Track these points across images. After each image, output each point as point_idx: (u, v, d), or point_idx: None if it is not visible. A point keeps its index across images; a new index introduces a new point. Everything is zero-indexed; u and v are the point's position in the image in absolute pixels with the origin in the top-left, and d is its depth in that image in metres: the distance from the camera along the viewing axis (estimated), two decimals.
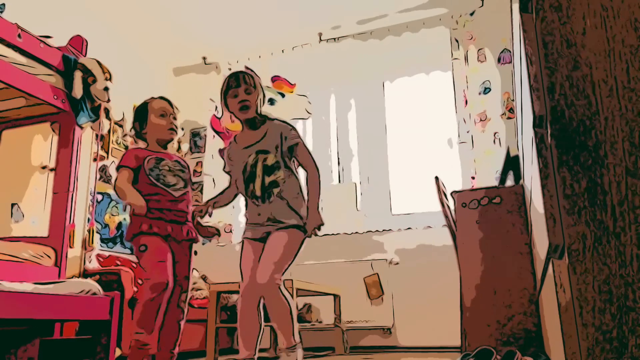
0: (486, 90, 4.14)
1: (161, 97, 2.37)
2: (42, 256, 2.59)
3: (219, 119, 3.63)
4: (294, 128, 2.19)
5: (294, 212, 2.09)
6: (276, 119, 2.20)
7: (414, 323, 3.89)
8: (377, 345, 3.95)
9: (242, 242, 2.17)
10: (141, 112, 2.30)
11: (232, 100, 2.10)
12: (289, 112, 3.63)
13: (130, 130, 2.39)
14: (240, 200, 4.77)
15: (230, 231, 4.66)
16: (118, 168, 2.20)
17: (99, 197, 4.14)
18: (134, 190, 2.10)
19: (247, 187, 2.11)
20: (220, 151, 3.66)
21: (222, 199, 2.30)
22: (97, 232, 3.69)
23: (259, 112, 2.15)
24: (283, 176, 2.09)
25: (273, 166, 2.08)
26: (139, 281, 2.19)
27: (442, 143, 4.25)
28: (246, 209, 2.17)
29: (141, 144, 2.33)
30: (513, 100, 4.09)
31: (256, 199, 2.09)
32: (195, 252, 4.59)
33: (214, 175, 4.74)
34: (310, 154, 2.23)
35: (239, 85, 2.10)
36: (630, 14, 0.99)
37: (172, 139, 2.31)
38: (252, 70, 2.23)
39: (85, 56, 2.97)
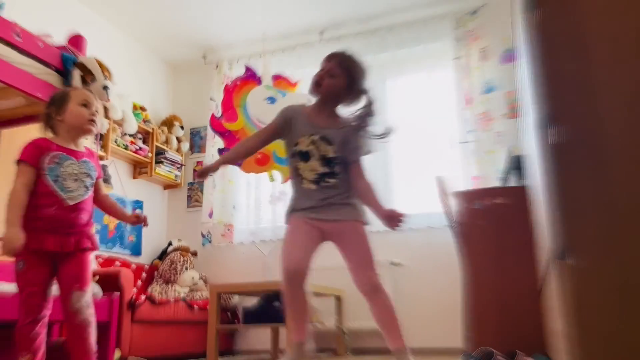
0: (489, 90, 4.12)
1: (87, 90, 2.26)
2: None
3: (219, 119, 3.61)
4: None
5: (358, 205, 2.06)
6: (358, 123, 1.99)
7: (416, 324, 3.87)
8: (378, 347, 3.94)
9: (290, 218, 1.98)
10: (60, 98, 2.07)
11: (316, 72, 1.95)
12: None
13: (42, 116, 2.09)
14: (240, 200, 4.77)
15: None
16: (18, 163, 1.98)
17: None
18: (19, 216, 1.85)
19: (297, 164, 1.94)
20: (220, 151, 3.64)
21: (234, 158, 2.16)
22: (96, 233, 3.67)
23: (337, 100, 1.98)
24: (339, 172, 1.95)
25: (331, 160, 1.92)
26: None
27: (444, 143, 4.23)
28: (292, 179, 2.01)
29: (49, 134, 2.08)
30: (516, 99, 4.07)
31: (308, 182, 1.94)
32: (196, 253, 4.63)
33: (214, 175, 4.73)
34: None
35: (327, 61, 1.95)
36: (634, 13, 0.98)
37: (89, 133, 2.09)
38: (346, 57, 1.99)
39: (84, 55, 2.96)
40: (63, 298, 1.96)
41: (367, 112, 1.95)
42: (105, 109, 3.61)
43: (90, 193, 2.07)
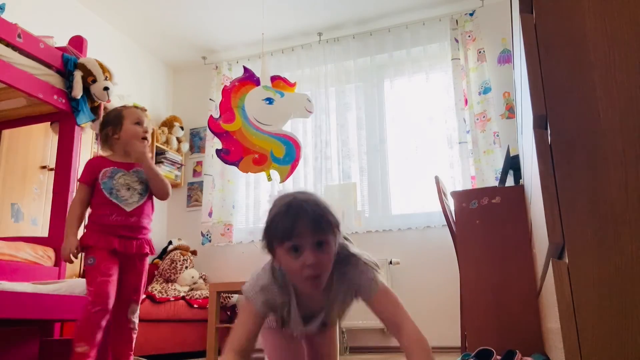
0: (486, 90, 4.14)
1: (139, 107, 2.36)
2: (42, 256, 2.59)
3: (217, 120, 3.62)
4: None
5: None
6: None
7: (414, 323, 3.88)
8: (376, 346, 3.95)
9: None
10: (115, 117, 2.25)
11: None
12: (289, 111, 3.63)
13: (100, 136, 2.28)
14: (240, 199, 4.78)
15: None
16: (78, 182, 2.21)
17: None
18: (75, 227, 2.11)
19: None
20: (218, 152, 3.65)
21: None
22: None
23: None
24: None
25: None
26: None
27: (442, 143, 4.25)
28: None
29: (103, 152, 2.28)
30: (513, 100, 4.09)
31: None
32: (195, 252, 4.63)
33: (213, 175, 4.74)
34: None
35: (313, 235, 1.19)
36: (631, 13, 0.99)
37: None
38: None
39: (85, 56, 2.97)
40: (120, 305, 2.12)
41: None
42: (106, 110, 3.61)
43: (146, 198, 2.22)
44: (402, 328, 1.24)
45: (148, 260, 2.27)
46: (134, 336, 2.21)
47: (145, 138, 2.23)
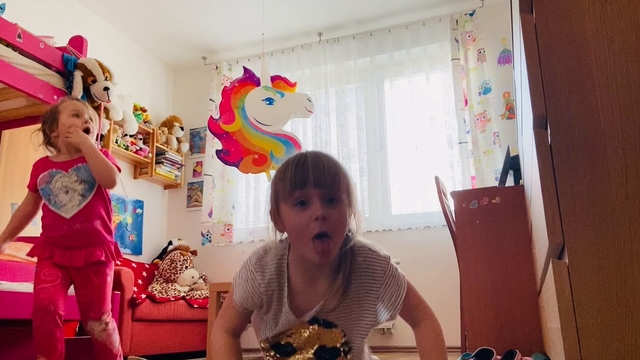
0: (486, 91, 4.14)
1: (77, 100, 2.15)
2: None
3: (217, 120, 3.62)
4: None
5: None
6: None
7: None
8: (377, 346, 3.95)
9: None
10: (51, 114, 2.04)
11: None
12: (289, 111, 3.63)
13: (40, 138, 2.06)
14: (240, 200, 4.78)
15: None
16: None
17: None
18: (6, 231, 2.00)
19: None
20: (218, 152, 3.65)
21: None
22: None
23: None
24: None
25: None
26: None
27: (442, 143, 4.25)
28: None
29: (50, 152, 2.07)
30: (513, 100, 4.09)
31: None
32: (195, 252, 4.63)
33: (213, 176, 4.75)
34: None
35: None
36: (631, 14, 0.99)
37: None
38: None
39: (85, 56, 2.97)
40: (82, 321, 1.98)
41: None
42: (106, 110, 3.62)
43: (92, 197, 1.98)
44: (419, 325, 1.15)
45: (110, 269, 2.01)
46: (109, 342, 1.98)
47: (87, 130, 2.01)
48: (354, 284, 1.05)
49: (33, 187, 2.00)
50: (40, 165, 2.02)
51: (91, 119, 2.05)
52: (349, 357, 1.08)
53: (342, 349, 1.08)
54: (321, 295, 1.06)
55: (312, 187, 0.96)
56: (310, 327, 1.07)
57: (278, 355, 1.09)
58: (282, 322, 1.08)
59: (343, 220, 1.00)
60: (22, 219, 2.01)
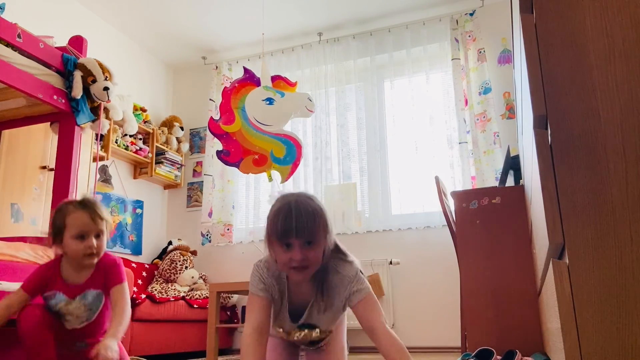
0: (486, 91, 4.14)
1: (85, 204, 1.80)
2: (42, 256, 2.59)
3: (217, 121, 3.62)
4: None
5: None
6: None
7: (414, 323, 3.89)
8: (373, 346, 3.95)
9: None
10: (57, 228, 1.78)
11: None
12: (290, 111, 3.62)
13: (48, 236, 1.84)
14: (240, 200, 4.78)
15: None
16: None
17: (99, 197, 4.14)
18: None
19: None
20: (218, 153, 3.65)
21: None
22: None
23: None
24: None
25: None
26: None
27: (442, 143, 4.25)
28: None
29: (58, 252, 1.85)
30: (513, 100, 4.09)
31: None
32: (195, 252, 4.63)
33: (213, 176, 4.75)
34: None
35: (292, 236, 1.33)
36: (631, 13, 0.99)
37: (88, 266, 1.81)
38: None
39: (85, 56, 2.97)
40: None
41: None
42: (106, 110, 3.62)
43: (96, 316, 1.85)
44: (376, 331, 1.38)
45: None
46: None
47: (90, 254, 1.77)
48: (328, 293, 1.44)
49: (30, 290, 1.78)
50: (47, 277, 1.80)
51: (101, 234, 1.79)
52: (324, 342, 1.52)
53: (325, 337, 1.51)
54: (308, 295, 1.45)
55: (294, 238, 1.31)
56: (300, 330, 1.48)
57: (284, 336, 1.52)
58: (282, 316, 1.47)
59: (317, 256, 1.36)
60: (7, 313, 1.75)
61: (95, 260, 1.80)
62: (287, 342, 1.58)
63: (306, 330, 1.48)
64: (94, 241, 1.77)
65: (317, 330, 1.48)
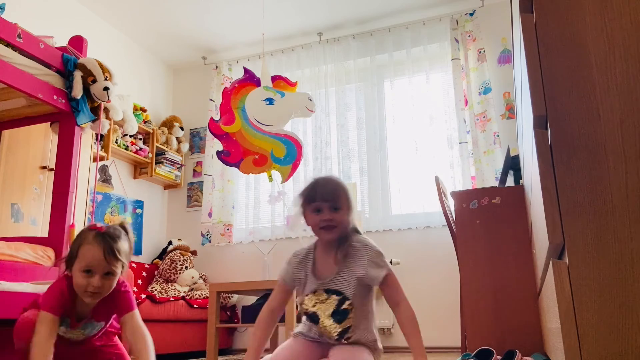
0: (486, 91, 4.14)
1: (105, 238, 1.63)
2: (42, 256, 2.59)
3: (217, 121, 3.62)
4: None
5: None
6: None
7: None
8: None
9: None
10: (70, 255, 1.66)
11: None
12: (290, 111, 3.62)
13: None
14: (240, 200, 4.78)
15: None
16: (41, 308, 1.65)
17: (99, 197, 4.14)
18: None
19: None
20: (218, 153, 3.65)
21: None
22: None
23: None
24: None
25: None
26: None
27: (442, 143, 4.25)
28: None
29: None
30: (513, 100, 4.09)
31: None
32: (195, 252, 4.63)
33: (213, 176, 4.75)
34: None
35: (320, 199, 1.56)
36: (631, 13, 0.99)
37: (87, 302, 1.67)
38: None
39: (85, 56, 2.97)
40: None
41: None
42: (106, 110, 3.62)
43: (100, 330, 1.79)
44: (400, 306, 1.59)
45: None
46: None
47: (92, 293, 1.62)
48: (349, 259, 1.59)
49: (59, 311, 1.64)
50: (64, 298, 1.66)
51: (111, 272, 1.63)
52: (352, 314, 1.57)
53: (349, 309, 1.57)
54: (332, 264, 1.60)
55: (321, 201, 1.56)
56: (324, 294, 1.59)
57: (312, 322, 1.61)
58: (308, 285, 1.61)
59: (343, 218, 1.58)
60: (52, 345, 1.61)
61: (96, 300, 1.66)
62: (312, 347, 1.63)
63: (333, 296, 1.58)
64: (99, 280, 1.60)
65: (343, 297, 1.57)
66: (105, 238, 1.63)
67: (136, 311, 1.74)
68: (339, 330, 1.56)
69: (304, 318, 1.66)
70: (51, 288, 1.71)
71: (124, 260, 1.66)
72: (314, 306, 1.60)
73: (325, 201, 1.57)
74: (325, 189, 1.58)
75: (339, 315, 1.57)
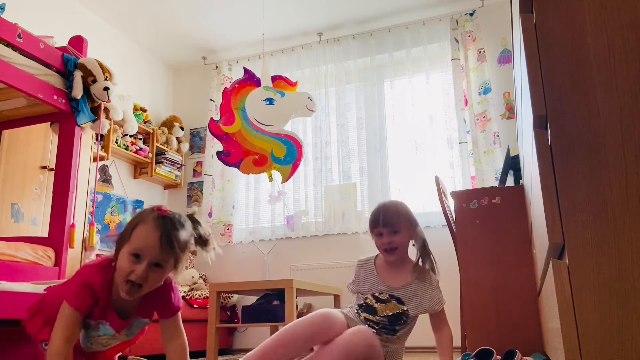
0: (486, 91, 4.14)
1: (166, 223, 1.39)
2: (42, 256, 2.59)
3: (217, 122, 3.62)
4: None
5: None
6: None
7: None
8: None
9: None
10: (127, 227, 1.43)
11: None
12: (290, 111, 3.62)
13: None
14: (240, 200, 4.78)
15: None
16: (66, 303, 1.39)
17: (99, 197, 4.14)
18: None
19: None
20: (218, 154, 3.65)
21: None
22: (97, 232, 3.69)
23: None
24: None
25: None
26: None
27: (442, 143, 4.25)
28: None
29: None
30: (513, 100, 4.09)
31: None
32: (195, 252, 4.62)
33: (213, 176, 4.75)
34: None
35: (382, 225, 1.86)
36: (630, 13, 0.99)
37: (123, 297, 1.40)
38: None
39: (85, 56, 2.97)
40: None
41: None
42: (106, 110, 3.62)
43: (142, 330, 1.62)
44: (442, 332, 1.89)
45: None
46: None
47: (131, 283, 1.36)
48: (418, 281, 1.92)
49: (85, 308, 1.39)
50: (97, 288, 1.41)
51: (160, 264, 1.38)
52: (403, 326, 1.85)
53: (403, 318, 1.84)
54: (398, 278, 1.92)
55: (381, 227, 1.86)
56: (391, 300, 1.85)
57: (362, 311, 1.85)
58: (369, 286, 1.90)
59: (402, 241, 1.90)
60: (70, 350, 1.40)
61: (132, 296, 1.39)
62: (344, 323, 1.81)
63: (394, 302, 1.85)
64: (145, 270, 1.35)
65: (404, 307, 1.84)
66: (167, 222, 1.39)
67: (179, 314, 1.56)
68: (388, 331, 1.83)
69: (356, 307, 1.90)
70: (82, 275, 1.43)
71: (180, 254, 1.40)
72: (376, 304, 1.87)
73: (385, 226, 1.85)
74: (385, 216, 1.87)
75: (394, 318, 1.84)
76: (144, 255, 1.35)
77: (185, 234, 1.42)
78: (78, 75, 2.78)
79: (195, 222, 1.49)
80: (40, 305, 1.57)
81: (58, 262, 2.67)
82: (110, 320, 1.45)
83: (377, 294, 1.88)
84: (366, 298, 1.89)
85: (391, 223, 1.86)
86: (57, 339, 1.37)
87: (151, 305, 1.52)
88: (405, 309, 1.84)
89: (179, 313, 1.56)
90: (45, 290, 1.63)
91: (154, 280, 1.39)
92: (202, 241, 1.51)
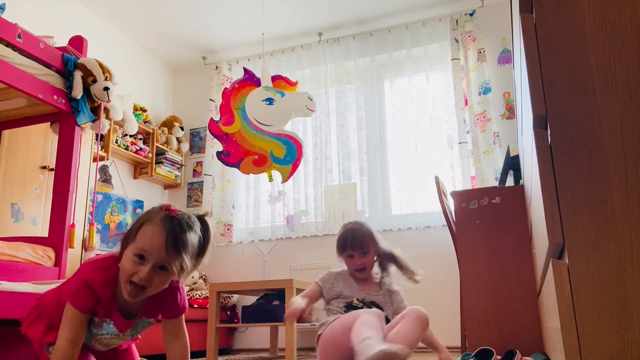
0: (486, 91, 4.14)
1: (174, 224, 1.34)
2: (42, 256, 2.59)
3: (217, 122, 3.62)
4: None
5: None
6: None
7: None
8: None
9: None
10: (133, 226, 1.39)
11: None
12: (290, 110, 3.62)
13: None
14: (240, 199, 4.78)
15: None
16: (69, 303, 1.38)
17: (99, 197, 4.14)
18: None
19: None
20: (218, 154, 3.65)
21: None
22: (97, 232, 3.69)
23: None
24: None
25: None
26: None
27: (442, 143, 4.25)
28: None
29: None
30: (513, 100, 4.09)
31: None
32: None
33: (213, 176, 4.75)
34: None
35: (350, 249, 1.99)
36: (631, 13, 0.99)
37: (126, 298, 1.37)
38: None
39: (85, 56, 2.97)
40: None
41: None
42: (106, 110, 3.62)
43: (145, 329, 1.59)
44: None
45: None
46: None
47: (138, 285, 1.34)
48: (387, 289, 2.06)
49: (87, 308, 1.37)
50: (101, 287, 1.38)
51: (164, 267, 1.33)
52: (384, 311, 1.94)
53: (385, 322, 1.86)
54: (371, 288, 2.03)
55: (351, 250, 1.99)
56: (372, 306, 1.94)
57: (346, 309, 1.92)
58: (350, 292, 1.97)
59: (370, 261, 2.04)
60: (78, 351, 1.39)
61: (135, 298, 1.36)
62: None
63: (374, 308, 1.91)
64: (149, 272, 1.32)
65: (384, 313, 1.87)
66: (174, 223, 1.33)
67: (183, 316, 1.53)
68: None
69: (343, 309, 1.97)
70: (82, 274, 1.40)
71: (186, 258, 1.34)
72: (358, 302, 1.97)
73: (355, 249, 1.98)
74: (354, 240, 1.99)
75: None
76: (149, 257, 1.32)
77: (194, 236, 1.37)
78: (78, 75, 2.78)
79: (204, 224, 1.43)
80: (38, 311, 1.55)
81: (58, 262, 2.66)
82: (115, 320, 1.43)
83: (360, 299, 1.98)
84: (351, 301, 1.97)
85: (360, 245, 2.00)
86: (62, 340, 1.35)
87: (158, 306, 1.49)
88: (385, 314, 1.91)
89: (183, 316, 1.53)
90: (37, 298, 1.59)
91: (158, 283, 1.36)
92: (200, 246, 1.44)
